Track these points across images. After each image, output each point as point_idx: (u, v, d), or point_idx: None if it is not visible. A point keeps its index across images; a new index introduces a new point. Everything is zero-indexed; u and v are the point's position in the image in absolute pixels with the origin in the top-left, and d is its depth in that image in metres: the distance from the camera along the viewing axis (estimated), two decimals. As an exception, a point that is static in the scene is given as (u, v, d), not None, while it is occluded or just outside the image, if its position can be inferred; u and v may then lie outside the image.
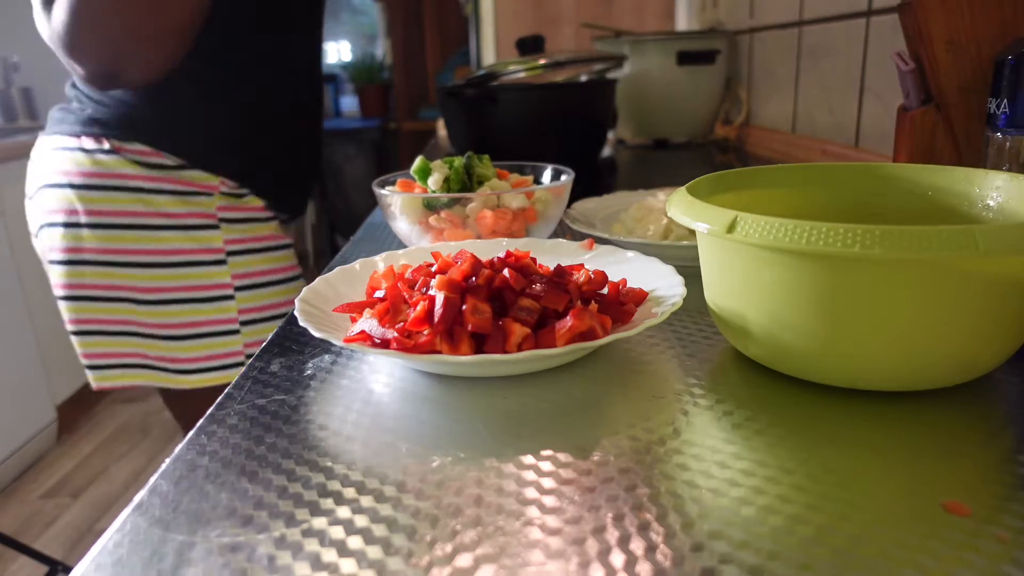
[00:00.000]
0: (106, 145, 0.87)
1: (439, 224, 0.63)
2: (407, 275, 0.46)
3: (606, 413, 0.38)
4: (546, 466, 0.33)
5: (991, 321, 0.35)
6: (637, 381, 0.41)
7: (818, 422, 0.36)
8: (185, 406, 0.99)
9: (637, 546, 0.27)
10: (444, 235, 0.63)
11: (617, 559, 0.27)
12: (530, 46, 1.25)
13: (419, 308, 0.41)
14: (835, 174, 0.49)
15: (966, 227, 0.31)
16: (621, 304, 0.45)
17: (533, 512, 0.30)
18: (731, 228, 0.36)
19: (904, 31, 0.59)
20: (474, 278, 0.42)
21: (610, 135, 1.49)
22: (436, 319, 0.40)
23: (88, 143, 0.87)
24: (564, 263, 0.51)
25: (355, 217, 3.73)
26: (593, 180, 1.10)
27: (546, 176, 0.74)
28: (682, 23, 1.85)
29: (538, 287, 0.42)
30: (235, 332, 0.92)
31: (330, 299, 0.48)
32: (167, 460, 0.35)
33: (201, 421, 0.38)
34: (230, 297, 0.91)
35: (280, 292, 0.96)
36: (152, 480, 0.33)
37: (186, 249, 0.89)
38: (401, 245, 0.70)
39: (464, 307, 0.40)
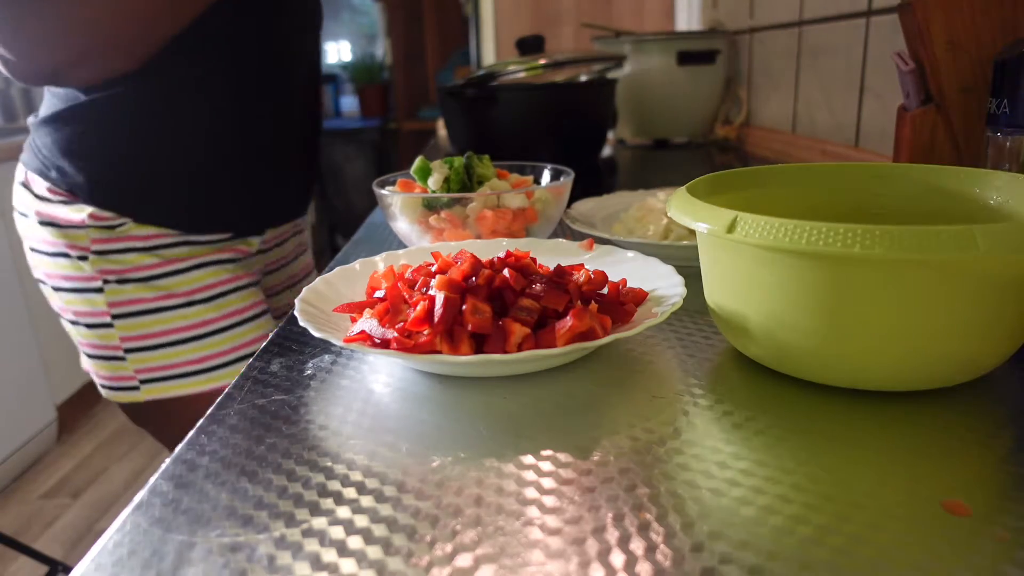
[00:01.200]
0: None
1: (439, 224, 0.63)
2: (407, 275, 0.46)
3: (606, 413, 0.38)
4: (546, 466, 0.33)
5: (991, 321, 0.35)
6: (637, 381, 0.41)
7: (818, 422, 0.36)
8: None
9: (637, 546, 0.27)
10: (444, 235, 0.63)
11: (617, 559, 0.27)
12: (530, 46, 1.25)
13: (419, 308, 0.41)
14: (835, 174, 0.49)
15: (966, 227, 0.31)
16: (621, 304, 0.45)
17: (533, 512, 0.30)
18: (731, 228, 0.36)
19: (904, 31, 0.59)
20: (474, 278, 0.42)
21: (610, 135, 1.49)
22: (436, 319, 0.40)
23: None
24: (564, 263, 0.51)
25: (355, 217, 3.73)
26: (593, 180, 1.10)
27: (546, 176, 0.74)
28: (682, 23, 1.85)
29: (538, 287, 0.42)
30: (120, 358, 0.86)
31: (330, 299, 0.48)
32: (167, 460, 0.35)
33: (201, 421, 0.38)
34: (108, 325, 0.85)
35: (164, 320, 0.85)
36: (152, 480, 0.33)
37: (63, 276, 0.85)
38: (401, 245, 0.70)
39: (464, 307, 0.40)
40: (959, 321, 0.35)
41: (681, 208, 0.41)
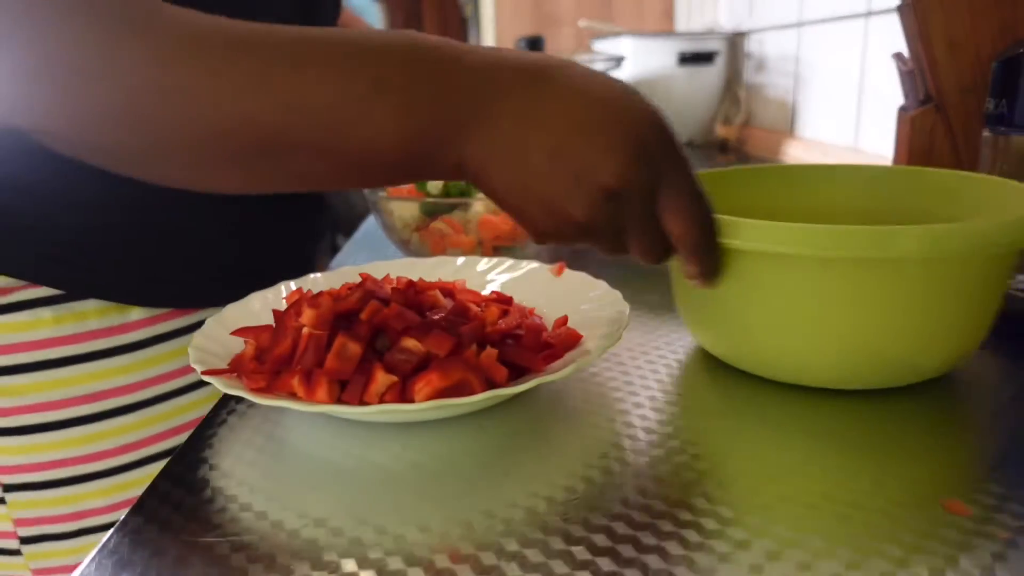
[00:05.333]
0: None
1: (440, 230, 0.62)
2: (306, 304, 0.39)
3: (589, 419, 0.38)
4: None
5: (928, 321, 0.36)
6: (612, 384, 0.41)
7: (817, 423, 0.36)
8: None
9: (637, 546, 0.27)
10: (446, 241, 0.62)
11: (617, 559, 0.27)
12: (530, 46, 1.25)
13: (284, 344, 0.37)
14: (826, 174, 0.50)
15: (890, 228, 0.32)
16: (546, 347, 0.39)
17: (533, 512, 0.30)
18: None
19: (904, 31, 0.59)
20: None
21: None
22: (296, 358, 0.36)
23: None
24: (528, 293, 0.47)
25: (355, 217, 3.73)
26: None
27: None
28: (682, 23, 1.85)
29: (421, 329, 0.37)
30: None
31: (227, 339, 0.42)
32: (168, 459, 0.35)
33: (201, 422, 0.38)
34: None
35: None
36: (152, 480, 0.33)
37: None
38: (398, 252, 0.70)
39: (332, 346, 0.35)
40: (894, 320, 0.35)
41: None
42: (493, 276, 0.51)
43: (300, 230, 0.61)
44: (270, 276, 0.49)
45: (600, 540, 0.28)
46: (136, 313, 0.49)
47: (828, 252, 0.33)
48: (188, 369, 0.51)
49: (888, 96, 0.92)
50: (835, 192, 0.49)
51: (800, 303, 0.36)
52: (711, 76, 1.40)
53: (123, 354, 0.49)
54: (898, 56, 0.61)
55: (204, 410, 0.51)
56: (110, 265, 0.48)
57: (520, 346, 0.38)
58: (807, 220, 0.35)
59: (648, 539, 0.28)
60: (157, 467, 0.50)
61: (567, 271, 0.48)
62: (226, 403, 0.40)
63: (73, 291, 0.47)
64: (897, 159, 0.62)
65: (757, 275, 0.37)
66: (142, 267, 0.50)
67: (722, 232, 0.35)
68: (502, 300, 0.43)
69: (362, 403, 0.34)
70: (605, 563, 0.26)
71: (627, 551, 0.27)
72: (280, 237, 0.58)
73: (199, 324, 0.50)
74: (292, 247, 0.59)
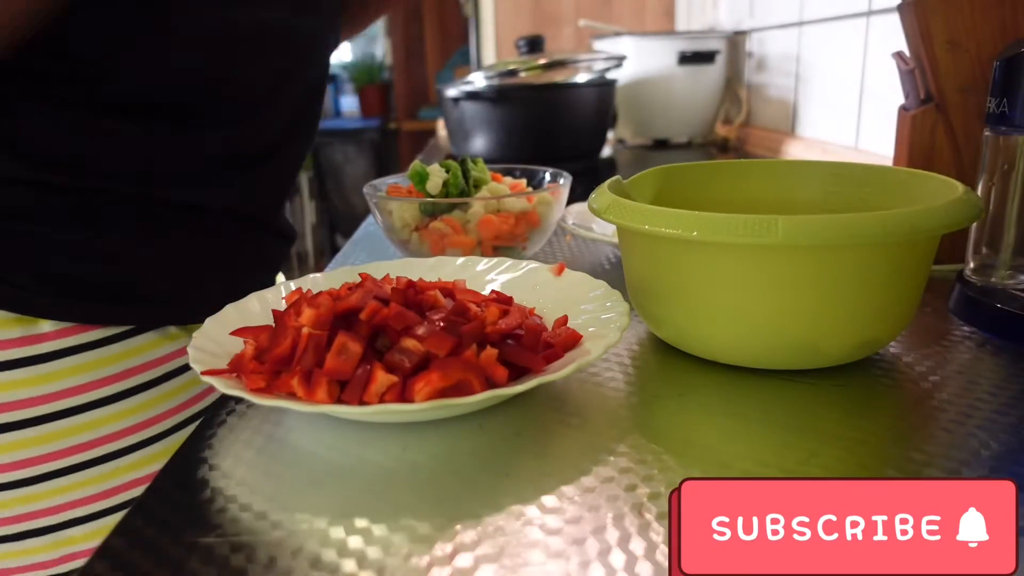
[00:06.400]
0: None
1: (440, 230, 0.62)
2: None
3: (589, 419, 0.38)
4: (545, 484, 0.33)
5: (833, 305, 0.38)
6: (612, 384, 0.41)
7: (817, 418, 0.36)
8: None
9: (637, 546, 0.27)
10: (445, 241, 0.62)
11: (617, 559, 0.27)
12: (530, 46, 1.25)
13: (284, 343, 0.37)
14: (789, 170, 0.53)
15: (771, 216, 0.34)
16: (544, 348, 0.39)
17: (533, 512, 0.30)
18: (605, 211, 0.41)
19: (904, 31, 0.59)
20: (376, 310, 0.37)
21: (610, 135, 1.49)
22: (295, 358, 0.36)
23: None
24: (528, 292, 0.47)
25: (355, 217, 3.74)
26: (593, 180, 1.10)
27: (544, 179, 0.74)
28: (682, 23, 1.85)
29: (421, 329, 0.36)
30: None
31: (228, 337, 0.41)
32: (168, 459, 0.35)
33: (202, 420, 0.38)
34: None
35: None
36: (152, 480, 0.33)
37: None
38: (397, 252, 0.70)
39: (333, 346, 0.35)
40: (800, 305, 0.37)
41: (594, 198, 0.45)
42: (493, 276, 0.50)
43: (235, 255, 0.59)
44: (195, 299, 0.45)
45: (601, 540, 0.28)
46: (46, 325, 0.48)
47: (712, 237, 0.36)
48: (97, 384, 0.51)
49: (888, 95, 0.92)
50: (793, 187, 0.53)
51: (716, 288, 0.39)
52: (711, 76, 1.40)
53: (28, 366, 0.48)
54: (898, 55, 0.61)
55: (113, 427, 0.51)
56: (20, 277, 0.48)
57: (520, 346, 0.38)
58: (775, 212, 0.35)
59: (654, 537, 0.28)
60: (61, 482, 0.50)
61: (567, 271, 0.48)
62: (226, 403, 0.40)
63: None
64: (897, 158, 0.62)
65: (673, 259, 0.40)
66: (54, 281, 0.49)
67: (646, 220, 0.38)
68: (502, 300, 0.43)
69: (362, 403, 0.34)
70: (606, 563, 0.26)
71: (628, 551, 0.27)
72: (212, 261, 0.57)
73: (111, 339, 0.51)
74: (226, 273, 0.58)
